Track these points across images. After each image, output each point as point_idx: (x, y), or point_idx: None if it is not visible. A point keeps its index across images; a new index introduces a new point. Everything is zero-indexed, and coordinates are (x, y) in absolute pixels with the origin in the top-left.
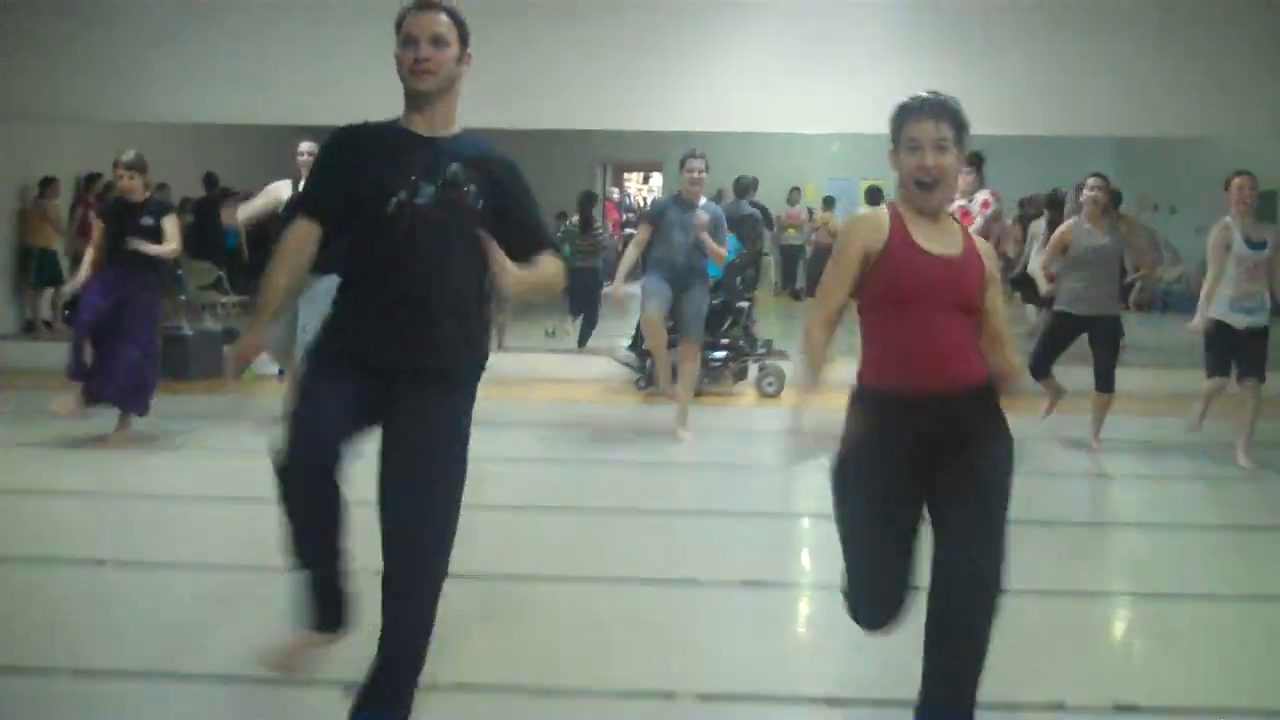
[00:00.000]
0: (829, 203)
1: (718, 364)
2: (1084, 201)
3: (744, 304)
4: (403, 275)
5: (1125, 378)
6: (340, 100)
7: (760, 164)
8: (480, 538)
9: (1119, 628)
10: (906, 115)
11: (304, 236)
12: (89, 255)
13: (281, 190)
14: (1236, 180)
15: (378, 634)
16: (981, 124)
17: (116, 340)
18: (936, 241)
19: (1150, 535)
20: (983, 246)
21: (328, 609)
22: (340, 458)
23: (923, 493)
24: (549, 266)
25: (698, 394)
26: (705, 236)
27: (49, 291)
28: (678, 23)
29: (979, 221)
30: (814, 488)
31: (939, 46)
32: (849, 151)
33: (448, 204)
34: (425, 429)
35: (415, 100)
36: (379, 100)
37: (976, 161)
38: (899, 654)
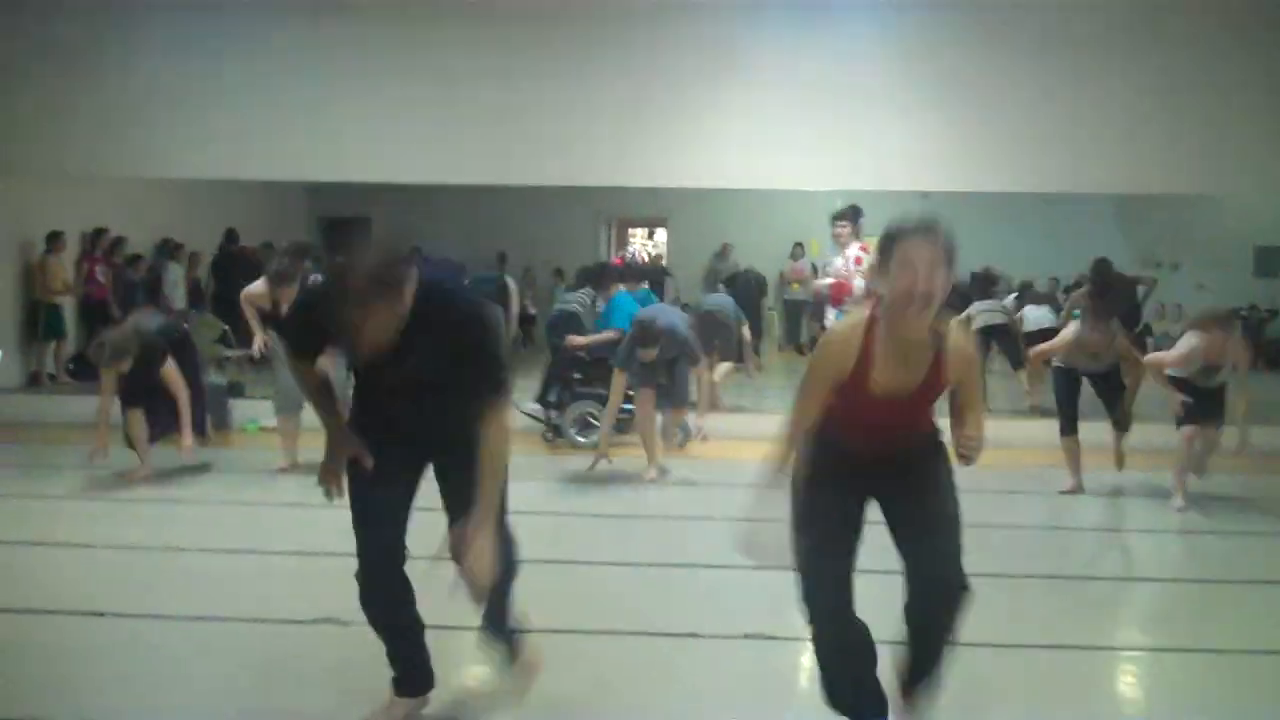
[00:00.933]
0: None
1: (627, 415)
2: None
3: None
4: (398, 402)
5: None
6: (345, 156)
7: (764, 219)
8: None
9: (1124, 681)
10: (902, 236)
11: (313, 371)
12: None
13: (262, 295)
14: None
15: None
16: (982, 181)
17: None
18: (900, 371)
19: (1155, 589)
20: (954, 354)
21: (414, 674)
22: (404, 550)
23: (863, 505)
24: (489, 461)
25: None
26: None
27: (54, 345)
28: (681, 79)
29: (859, 283)
30: None
31: (941, 104)
32: None
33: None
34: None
35: None
36: (384, 155)
37: (853, 215)
38: (900, 701)
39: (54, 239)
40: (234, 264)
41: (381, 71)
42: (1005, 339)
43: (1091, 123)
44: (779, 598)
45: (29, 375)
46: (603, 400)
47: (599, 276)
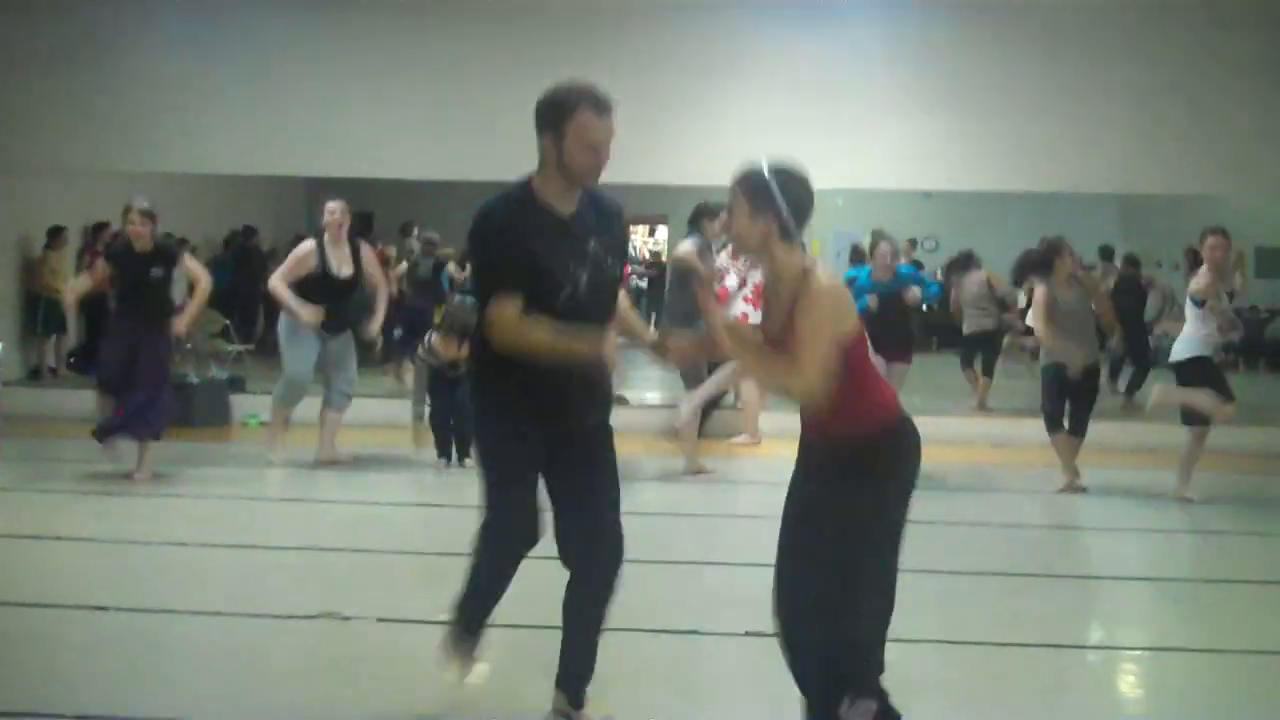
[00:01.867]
0: None
1: None
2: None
3: None
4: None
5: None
6: (348, 151)
7: None
8: None
9: (1125, 681)
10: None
11: (518, 312)
12: (82, 282)
13: (309, 254)
14: (1210, 239)
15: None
16: (984, 181)
17: (129, 386)
18: (773, 310)
19: (1148, 588)
20: (806, 294)
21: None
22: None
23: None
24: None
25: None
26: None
27: (54, 338)
28: (684, 77)
29: (731, 280)
30: None
31: (946, 103)
32: (855, 205)
33: (596, 282)
34: (598, 462)
35: (569, 185)
36: (386, 151)
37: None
38: (903, 700)
39: (55, 234)
40: (250, 259)
41: (384, 67)
42: (989, 347)
43: (1093, 123)
44: None
45: (30, 369)
46: None
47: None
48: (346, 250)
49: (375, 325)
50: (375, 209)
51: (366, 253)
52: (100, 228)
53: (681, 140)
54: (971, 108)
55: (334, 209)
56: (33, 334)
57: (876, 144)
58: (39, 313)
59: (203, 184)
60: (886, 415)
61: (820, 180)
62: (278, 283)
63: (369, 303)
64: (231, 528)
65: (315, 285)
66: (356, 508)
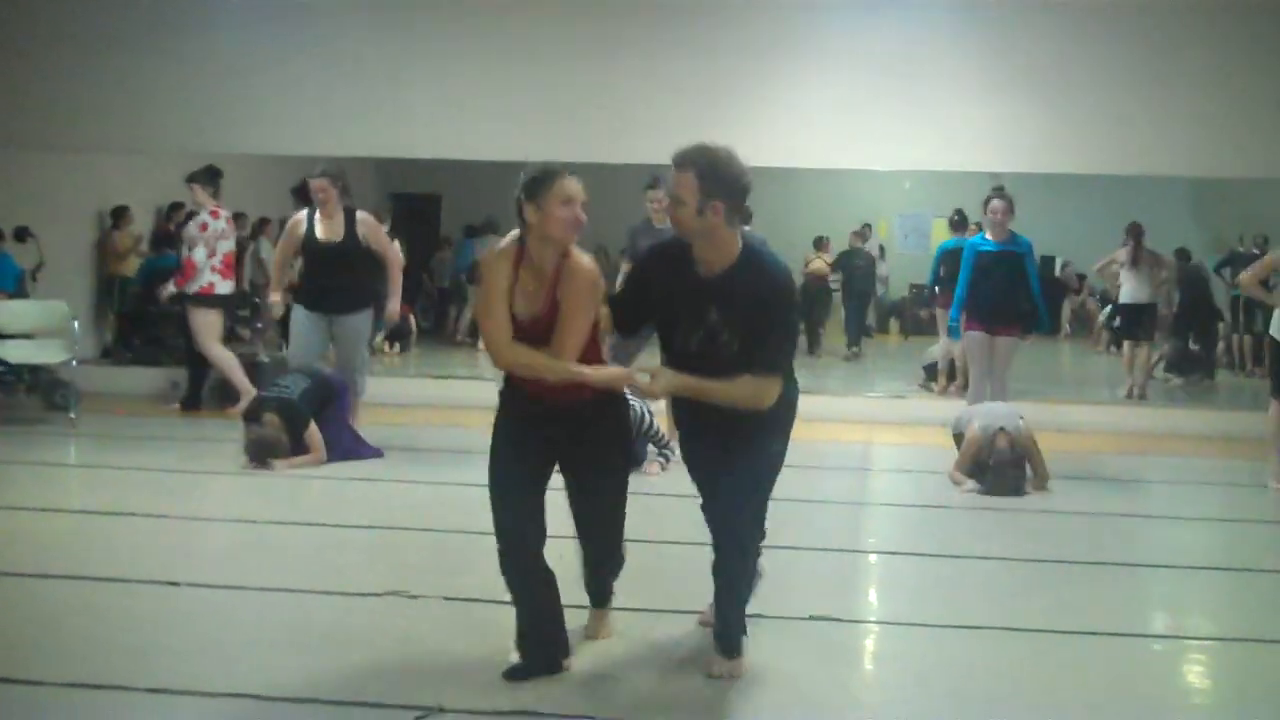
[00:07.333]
0: (819, 243)
1: None
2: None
3: None
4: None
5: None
6: (416, 132)
7: (833, 199)
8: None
9: (1177, 671)
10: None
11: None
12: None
13: (298, 223)
14: None
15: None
16: (1053, 162)
17: None
18: (527, 299)
19: (1211, 578)
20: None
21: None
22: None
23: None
24: (740, 388)
25: None
26: None
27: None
28: (752, 59)
29: (199, 254)
30: (880, 524)
31: (1013, 85)
32: (921, 188)
33: (705, 350)
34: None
35: (700, 244)
36: (456, 134)
37: (209, 176)
38: (964, 686)
39: (119, 214)
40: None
41: (455, 49)
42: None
43: (1165, 106)
44: (843, 580)
45: (103, 348)
46: None
47: None
48: (339, 221)
49: (395, 304)
50: (441, 189)
51: (367, 223)
52: (175, 208)
53: (747, 122)
54: (1040, 91)
55: (318, 186)
56: (106, 313)
57: (945, 126)
58: (113, 293)
59: (273, 164)
60: None
61: (889, 162)
62: (276, 253)
63: (380, 285)
64: (302, 506)
65: (304, 252)
66: (428, 488)
